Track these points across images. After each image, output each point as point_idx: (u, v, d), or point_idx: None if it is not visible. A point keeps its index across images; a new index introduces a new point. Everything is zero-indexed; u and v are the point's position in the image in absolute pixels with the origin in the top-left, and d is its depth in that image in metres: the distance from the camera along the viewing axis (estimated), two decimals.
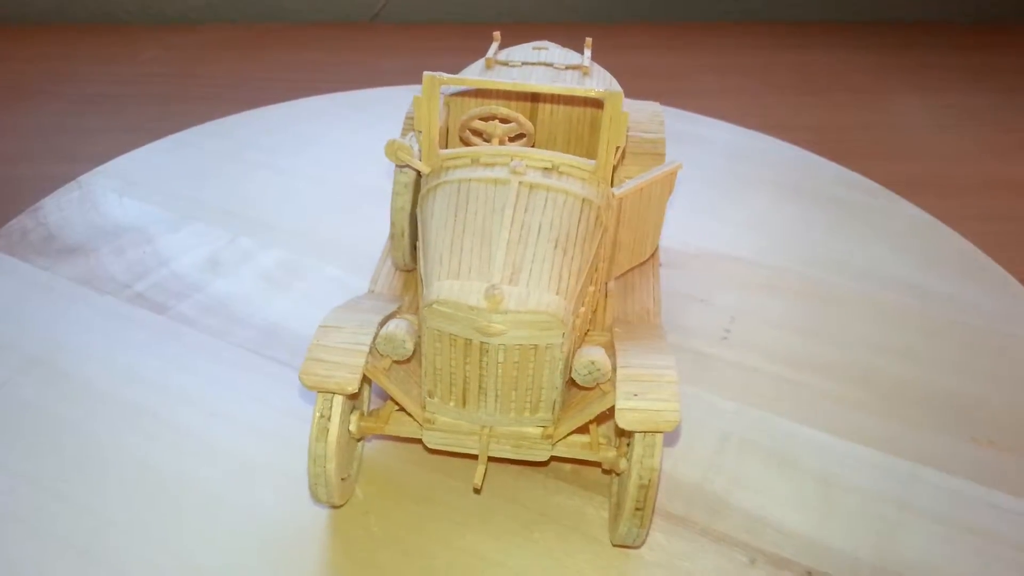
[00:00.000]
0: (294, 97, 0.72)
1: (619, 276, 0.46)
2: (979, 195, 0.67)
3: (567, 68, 0.47)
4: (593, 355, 0.33)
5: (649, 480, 0.33)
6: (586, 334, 0.40)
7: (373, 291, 0.44)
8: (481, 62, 0.48)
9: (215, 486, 0.39)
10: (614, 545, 0.36)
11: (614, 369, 0.35)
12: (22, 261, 0.51)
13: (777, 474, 0.41)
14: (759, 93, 0.81)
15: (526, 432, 0.35)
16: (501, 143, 0.42)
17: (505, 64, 0.48)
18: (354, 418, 0.37)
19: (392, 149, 0.39)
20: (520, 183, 0.37)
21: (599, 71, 0.48)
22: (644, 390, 0.33)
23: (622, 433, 0.36)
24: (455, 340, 0.33)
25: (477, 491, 0.38)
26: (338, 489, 0.35)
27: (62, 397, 0.43)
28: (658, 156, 0.48)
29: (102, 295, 0.49)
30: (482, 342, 0.33)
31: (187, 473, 0.39)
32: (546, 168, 0.38)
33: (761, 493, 0.40)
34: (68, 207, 0.56)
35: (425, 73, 0.37)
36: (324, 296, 0.49)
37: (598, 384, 0.34)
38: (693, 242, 0.56)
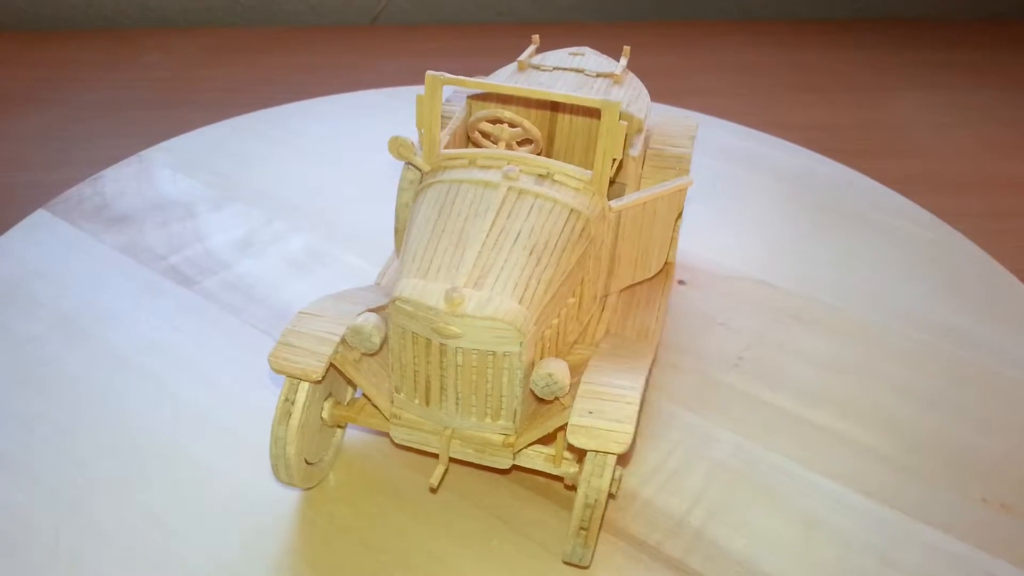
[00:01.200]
0: (292, 100, 0.72)
1: (624, 290, 0.45)
2: (979, 192, 0.67)
3: (598, 76, 0.47)
4: (552, 367, 0.33)
5: (596, 500, 0.32)
6: (573, 345, 0.39)
7: (379, 284, 0.45)
8: (514, 64, 0.49)
9: (203, 456, 0.40)
10: (563, 562, 0.36)
11: (581, 385, 0.34)
12: (72, 226, 0.54)
13: (763, 512, 0.39)
14: (759, 91, 0.81)
15: (488, 438, 0.35)
16: (508, 147, 0.42)
17: (536, 68, 0.48)
18: (327, 405, 0.37)
19: (395, 145, 0.39)
20: (509, 188, 0.37)
21: (632, 81, 0.48)
22: (601, 409, 0.33)
23: (573, 450, 0.35)
24: (417, 339, 0.33)
25: (433, 491, 0.39)
26: (299, 472, 0.36)
27: (81, 356, 0.45)
28: (681, 172, 0.47)
29: (139, 264, 0.52)
30: (441, 343, 0.33)
31: (180, 441, 0.41)
32: (540, 175, 0.38)
33: (740, 531, 0.38)
34: (125, 179, 0.59)
35: (428, 72, 0.38)
36: (340, 282, 0.50)
37: (557, 398, 0.34)
38: (718, 261, 0.54)
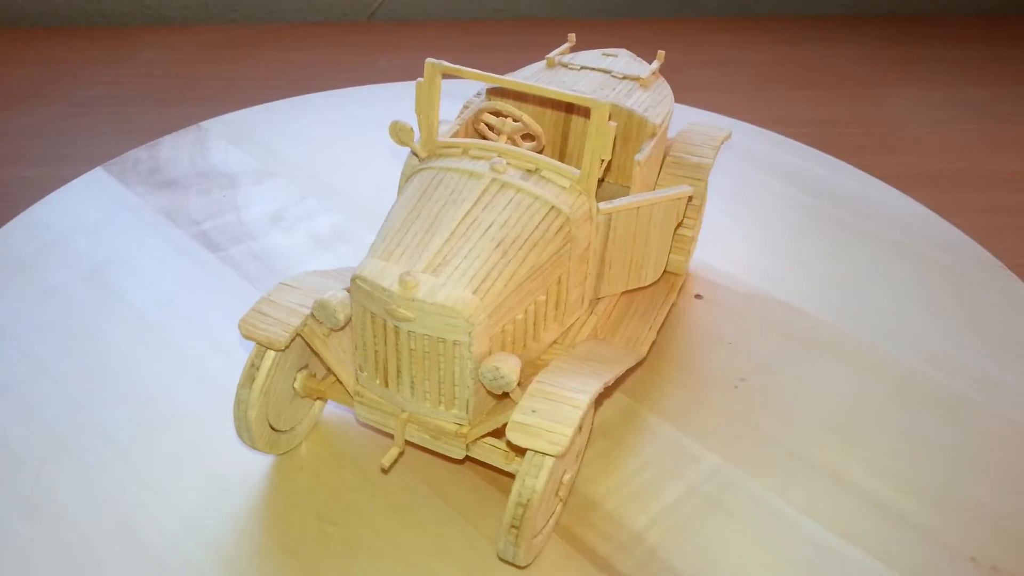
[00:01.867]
0: (290, 96, 0.72)
1: (624, 296, 0.44)
2: (976, 188, 0.67)
3: (624, 78, 0.46)
4: (501, 362, 0.32)
5: (528, 500, 0.32)
6: (552, 345, 0.39)
7: None
8: (543, 61, 0.48)
9: (193, 412, 0.42)
10: (498, 557, 0.35)
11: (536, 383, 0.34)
12: (123, 185, 0.58)
13: (728, 541, 0.37)
14: (756, 88, 0.81)
15: (443, 426, 0.35)
16: (511, 140, 0.42)
17: (564, 66, 0.48)
18: (300, 376, 0.38)
19: (395, 130, 0.40)
20: (492, 180, 0.36)
21: (659, 87, 0.47)
22: (544, 408, 0.32)
23: (515, 447, 0.34)
24: (375, 319, 0.34)
25: (384, 471, 0.39)
26: (262, 436, 0.37)
27: (101, 307, 0.48)
28: (697, 182, 0.46)
29: (174, 226, 0.54)
30: (396, 326, 0.33)
31: (174, 395, 0.43)
32: (528, 170, 0.37)
33: (699, 556, 0.37)
34: (181, 147, 0.62)
35: (427, 60, 0.38)
36: (358, 261, 0.51)
37: (507, 393, 0.33)
38: (738, 276, 0.52)
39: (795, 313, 0.50)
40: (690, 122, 0.51)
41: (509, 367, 0.32)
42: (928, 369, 0.46)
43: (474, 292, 0.32)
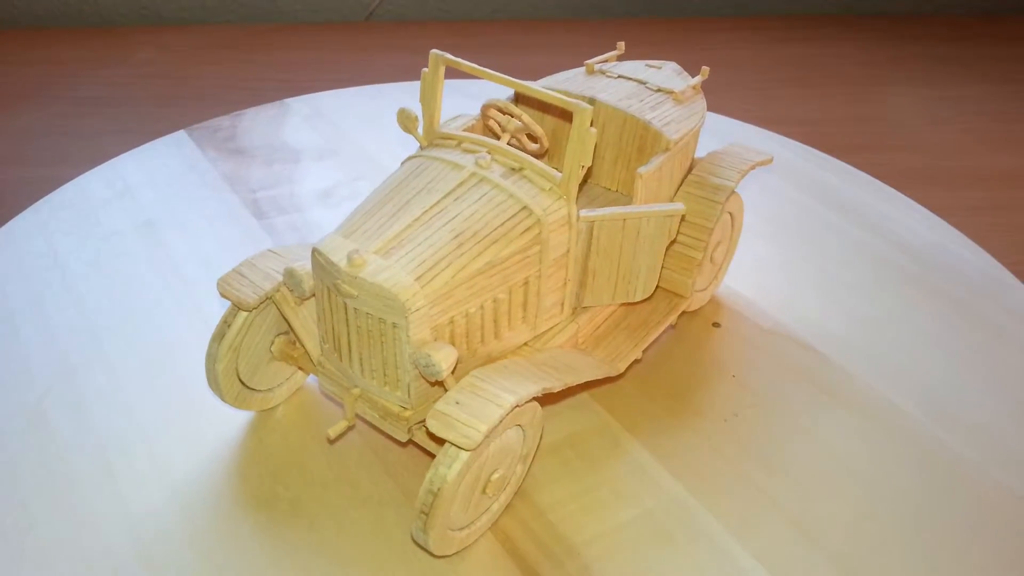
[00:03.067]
0: (287, 96, 0.73)
1: (619, 309, 0.44)
2: (973, 186, 0.67)
3: (657, 91, 0.45)
4: (435, 350, 0.32)
5: (439, 489, 0.32)
6: (520, 348, 0.39)
7: None
8: (583, 67, 0.48)
9: (196, 363, 0.45)
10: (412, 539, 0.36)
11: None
12: (198, 148, 0.62)
13: (665, 574, 0.36)
14: (752, 87, 0.81)
15: (388, 406, 0.36)
16: (514, 139, 0.42)
17: (602, 73, 0.47)
18: (279, 341, 0.40)
19: (401, 117, 0.41)
20: (472, 174, 0.37)
21: (693, 103, 0.45)
22: (468, 402, 0.32)
23: (431, 435, 0.34)
24: (331, 292, 0.35)
25: (330, 441, 0.40)
26: (229, 390, 0.39)
27: (145, 256, 0.52)
28: (712, 204, 0.44)
29: (232, 192, 0.58)
30: (345, 302, 0.34)
31: (184, 345, 0.46)
32: (513, 168, 0.38)
33: None
34: (261, 120, 0.66)
35: (432, 51, 0.39)
36: None
37: (442, 382, 0.34)
38: (760, 307, 0.50)
39: (814, 356, 0.47)
40: (733, 143, 0.50)
41: (441, 356, 0.33)
42: (955, 443, 0.42)
43: (417, 278, 0.33)
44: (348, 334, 0.35)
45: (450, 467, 0.32)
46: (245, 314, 0.38)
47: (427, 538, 0.33)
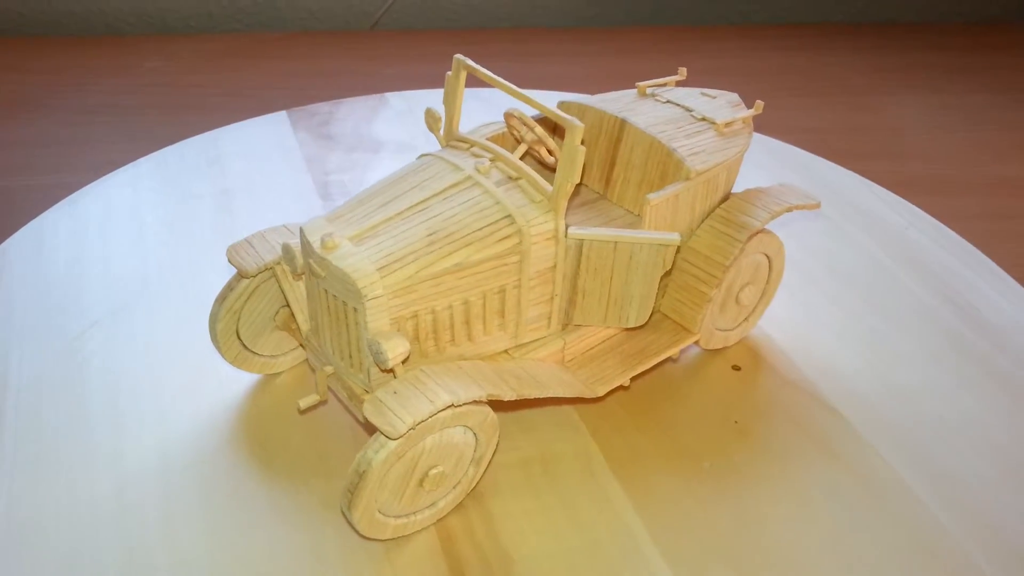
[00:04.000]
0: (293, 105, 0.72)
1: (617, 334, 0.43)
2: (977, 194, 0.67)
3: (701, 119, 0.44)
4: (386, 339, 0.33)
5: (364, 471, 0.33)
6: (502, 353, 0.39)
7: None
8: (635, 90, 0.48)
9: None
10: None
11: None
12: (292, 128, 0.66)
13: None
14: (757, 96, 0.79)
15: (353, 387, 0.37)
16: (532, 149, 0.42)
17: (652, 96, 0.47)
18: (284, 312, 0.43)
19: (427, 117, 0.42)
20: (467, 177, 0.38)
21: (736, 137, 0.44)
22: (405, 394, 0.33)
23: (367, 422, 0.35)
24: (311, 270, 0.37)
25: (300, 412, 0.41)
26: (227, 349, 0.42)
27: (212, 221, 0.56)
28: (731, 242, 0.42)
29: (307, 172, 0.61)
30: (318, 281, 0.36)
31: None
32: (511, 177, 0.38)
33: None
34: (357, 110, 0.70)
35: (455, 56, 0.40)
36: None
37: (393, 371, 0.34)
38: (791, 358, 0.47)
39: (833, 417, 0.44)
40: (783, 182, 0.47)
41: (390, 346, 0.33)
42: (966, 542, 0.38)
43: (379, 268, 0.34)
44: (320, 313, 0.37)
45: (377, 452, 0.33)
46: (247, 281, 0.40)
47: (351, 516, 0.34)
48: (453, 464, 0.36)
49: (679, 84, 0.49)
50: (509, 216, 0.36)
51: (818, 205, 0.46)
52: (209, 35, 0.91)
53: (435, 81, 0.78)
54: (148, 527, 0.37)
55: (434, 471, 0.35)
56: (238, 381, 0.44)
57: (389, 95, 0.73)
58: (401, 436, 0.32)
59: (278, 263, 0.40)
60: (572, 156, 0.35)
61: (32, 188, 0.63)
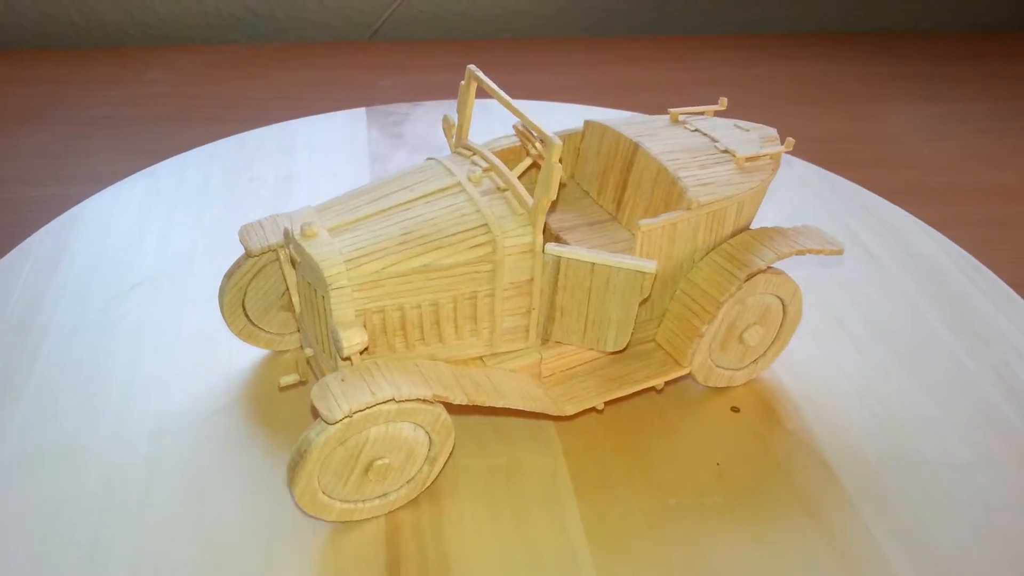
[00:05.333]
0: (293, 116, 0.72)
1: (603, 357, 0.42)
2: (973, 202, 0.68)
3: (724, 151, 0.43)
4: (346, 329, 0.34)
5: (304, 451, 0.34)
6: (477, 359, 0.39)
7: None
8: (667, 115, 0.47)
9: None
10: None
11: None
12: (367, 125, 0.70)
13: None
14: (755, 104, 0.82)
15: (326, 371, 0.39)
16: (535, 162, 0.42)
17: (682, 124, 0.46)
18: (288, 292, 0.45)
19: (444, 123, 0.43)
20: (456, 183, 0.38)
21: (756, 172, 0.42)
22: (352, 382, 0.34)
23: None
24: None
25: (280, 389, 0.43)
26: (234, 323, 0.44)
27: (267, 206, 0.59)
28: (729, 278, 0.41)
29: (365, 170, 0.64)
30: (297, 265, 0.37)
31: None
32: (499, 188, 0.39)
33: None
34: (433, 114, 0.72)
35: (468, 67, 0.41)
36: None
37: (346, 357, 0.36)
38: (800, 408, 0.45)
39: (827, 478, 0.41)
40: (808, 224, 0.45)
41: (347, 335, 0.35)
42: None
43: (347, 260, 0.35)
44: (301, 298, 0.39)
45: (318, 435, 0.34)
46: (253, 259, 0.43)
47: (292, 492, 0.35)
48: (403, 459, 0.37)
49: (718, 114, 0.48)
50: (485, 225, 0.37)
51: (840, 252, 0.43)
52: (209, 46, 0.91)
53: (433, 92, 0.80)
54: (129, 482, 0.40)
55: (379, 462, 0.36)
56: (248, 355, 0.47)
57: (491, 102, 0.74)
58: (338, 422, 0.33)
59: (282, 246, 0.42)
60: (548, 173, 0.35)
61: (34, 199, 0.63)
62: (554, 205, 0.46)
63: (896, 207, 0.63)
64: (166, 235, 0.57)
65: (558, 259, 0.37)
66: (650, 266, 0.37)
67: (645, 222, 0.39)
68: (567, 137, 0.47)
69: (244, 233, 0.43)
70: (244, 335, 0.46)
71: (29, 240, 0.56)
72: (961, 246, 0.59)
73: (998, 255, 0.60)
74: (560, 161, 0.43)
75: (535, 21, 0.97)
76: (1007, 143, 0.76)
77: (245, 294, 0.44)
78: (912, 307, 0.53)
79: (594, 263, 0.37)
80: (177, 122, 0.75)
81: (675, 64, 0.90)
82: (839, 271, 0.56)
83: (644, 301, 0.40)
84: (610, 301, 0.38)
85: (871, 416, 0.45)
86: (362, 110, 0.72)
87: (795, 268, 0.54)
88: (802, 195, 0.64)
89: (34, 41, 0.91)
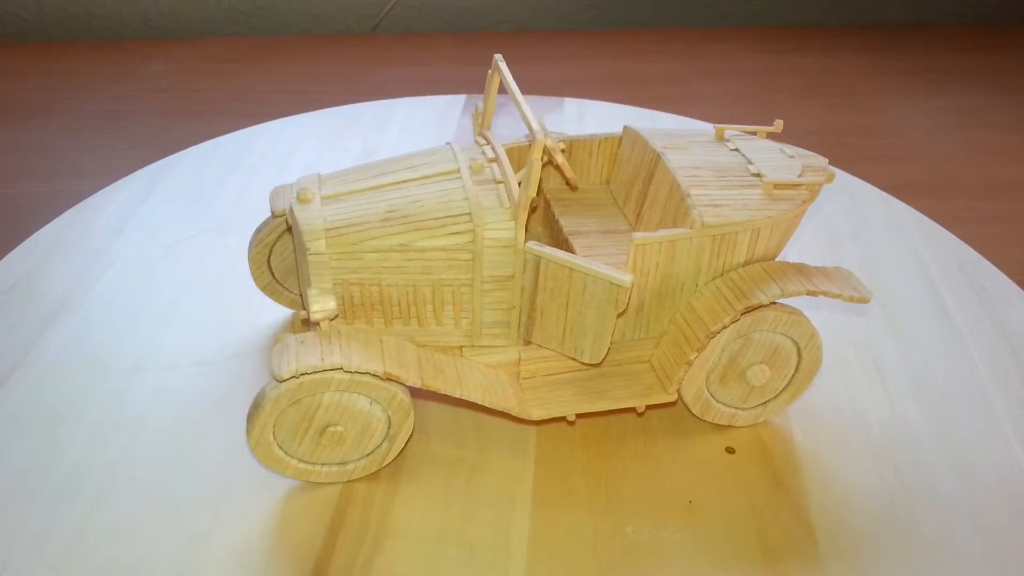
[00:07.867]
0: (297, 111, 0.71)
1: (586, 367, 0.41)
2: (977, 196, 0.67)
3: (755, 175, 0.41)
4: (316, 295, 0.36)
5: (259, 403, 0.36)
6: (460, 349, 0.40)
7: None
8: (711, 130, 0.45)
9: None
10: None
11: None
12: (461, 112, 0.71)
13: None
14: (757, 98, 0.81)
15: None
16: (550, 159, 0.41)
17: (724, 141, 0.44)
18: None
19: (476, 112, 0.44)
20: (455, 169, 0.39)
21: (789, 202, 0.40)
22: (308, 345, 0.35)
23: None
24: None
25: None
26: (258, 277, 0.46)
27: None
28: (725, 307, 0.39)
29: None
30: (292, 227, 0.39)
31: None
32: (495, 180, 0.39)
33: None
34: (504, 111, 0.72)
35: (495, 56, 0.41)
36: None
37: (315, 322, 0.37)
38: (800, 461, 0.42)
39: (803, 537, 0.38)
40: (841, 266, 0.42)
41: (316, 301, 0.36)
42: None
43: (328, 229, 0.36)
44: (296, 260, 0.40)
45: (272, 391, 0.36)
46: (278, 219, 0.45)
47: (248, 440, 0.37)
48: (358, 431, 0.38)
49: (770, 136, 0.46)
50: (468, 215, 0.37)
51: (865, 300, 0.40)
52: (211, 39, 0.91)
53: (436, 84, 0.79)
54: (131, 404, 0.44)
55: (332, 429, 0.37)
56: (275, 312, 0.50)
57: (567, 100, 0.74)
58: (283, 380, 0.35)
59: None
60: (529, 170, 0.35)
61: (34, 194, 0.63)
62: (581, 208, 0.46)
63: (960, 240, 0.59)
64: (248, 189, 0.61)
65: (538, 259, 0.37)
66: (625, 280, 0.36)
67: (638, 235, 0.37)
68: (604, 141, 0.46)
69: (273, 194, 0.45)
70: (268, 291, 0.48)
71: (126, 179, 0.62)
72: (966, 242, 0.58)
73: (1004, 250, 0.59)
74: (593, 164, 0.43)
75: (536, 13, 0.97)
76: (1013, 136, 0.75)
77: (271, 252, 0.46)
78: (972, 374, 0.48)
79: (572, 268, 0.36)
80: (179, 115, 0.75)
81: (675, 57, 0.89)
82: (901, 316, 0.51)
83: (621, 314, 0.39)
84: (587, 309, 0.37)
85: (879, 484, 0.41)
86: (462, 96, 0.74)
87: (848, 308, 0.51)
88: (892, 235, 0.59)
89: (34, 35, 0.91)
